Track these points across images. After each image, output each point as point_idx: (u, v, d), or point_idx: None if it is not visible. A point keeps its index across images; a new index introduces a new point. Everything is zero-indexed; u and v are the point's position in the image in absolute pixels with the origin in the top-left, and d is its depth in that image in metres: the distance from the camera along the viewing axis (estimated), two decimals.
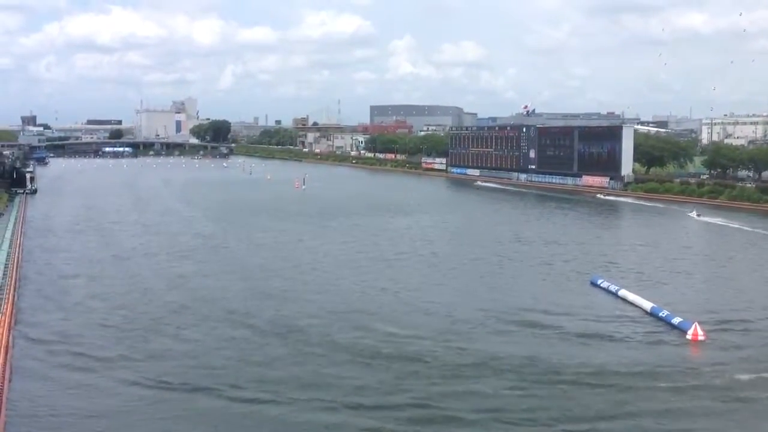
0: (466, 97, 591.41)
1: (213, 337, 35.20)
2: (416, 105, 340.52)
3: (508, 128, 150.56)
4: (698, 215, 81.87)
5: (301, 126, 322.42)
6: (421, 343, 34.22)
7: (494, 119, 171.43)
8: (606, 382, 29.25)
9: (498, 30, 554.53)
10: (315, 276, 50.27)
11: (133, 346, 33.36)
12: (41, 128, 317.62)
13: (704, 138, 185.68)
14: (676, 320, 37.05)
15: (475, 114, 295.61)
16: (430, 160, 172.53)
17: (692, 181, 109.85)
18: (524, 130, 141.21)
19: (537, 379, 29.60)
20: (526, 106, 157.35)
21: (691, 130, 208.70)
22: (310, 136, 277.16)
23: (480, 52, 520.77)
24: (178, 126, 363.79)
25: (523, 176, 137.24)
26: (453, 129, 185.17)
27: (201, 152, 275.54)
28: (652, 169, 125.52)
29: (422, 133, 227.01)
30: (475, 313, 39.78)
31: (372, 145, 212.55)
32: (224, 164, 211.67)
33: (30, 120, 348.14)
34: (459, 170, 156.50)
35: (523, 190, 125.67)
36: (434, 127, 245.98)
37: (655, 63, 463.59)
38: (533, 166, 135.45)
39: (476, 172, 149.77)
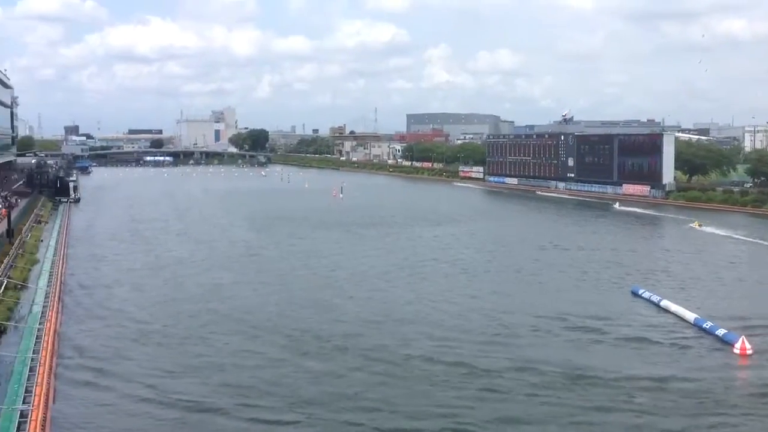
0: (502, 105, 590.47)
1: (250, 350, 35.05)
2: (453, 113, 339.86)
3: (546, 136, 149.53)
4: (700, 225, 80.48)
5: (338, 135, 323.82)
6: (470, 350, 33.98)
7: (532, 127, 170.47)
8: (653, 395, 28.72)
9: (534, 37, 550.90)
10: (354, 285, 50.17)
11: (174, 362, 33.32)
12: (84, 138, 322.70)
13: (747, 146, 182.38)
14: (720, 332, 36.22)
15: (513, 122, 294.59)
16: (467, 169, 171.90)
17: (735, 189, 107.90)
18: (562, 138, 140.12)
19: (581, 389, 29.23)
20: (564, 114, 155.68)
21: (734, 138, 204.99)
22: (347, 145, 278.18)
23: (516, 59, 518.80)
24: (217, 135, 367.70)
25: (561, 184, 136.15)
26: (490, 137, 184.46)
27: (240, 161, 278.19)
28: (693, 178, 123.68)
29: (459, 142, 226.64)
30: (518, 322, 39.49)
31: (409, 153, 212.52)
32: (262, 173, 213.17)
33: (73, 130, 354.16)
34: (496, 179, 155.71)
35: (565, 197, 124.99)
36: (471, 136, 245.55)
37: (695, 70, 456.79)
38: (572, 175, 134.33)
39: (514, 181, 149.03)
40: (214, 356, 33.58)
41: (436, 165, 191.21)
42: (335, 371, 31.43)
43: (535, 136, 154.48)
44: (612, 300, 45.81)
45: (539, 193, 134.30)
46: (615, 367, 31.88)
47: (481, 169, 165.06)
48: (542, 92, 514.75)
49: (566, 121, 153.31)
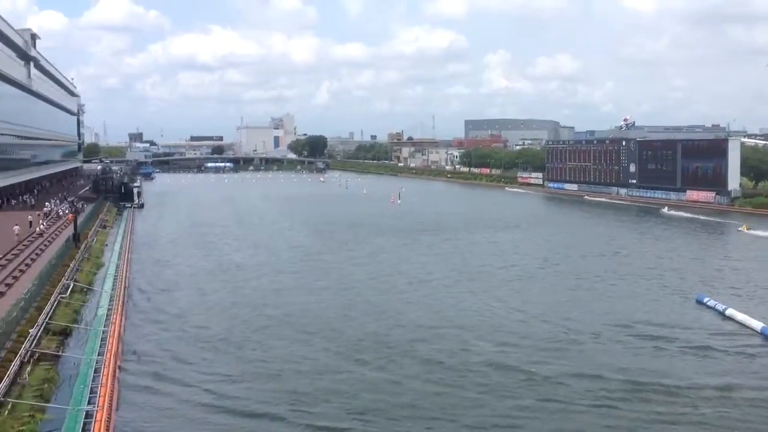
0: (562, 110, 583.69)
1: (307, 356, 35.18)
2: (511, 119, 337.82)
3: (607, 142, 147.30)
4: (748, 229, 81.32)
5: (395, 141, 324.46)
6: (530, 357, 33.58)
7: (592, 133, 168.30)
8: (718, 405, 27.98)
9: (594, 42, 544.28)
10: (413, 291, 50.12)
11: (232, 367, 33.64)
12: (147, 145, 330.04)
13: None
14: None
15: (572, 128, 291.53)
16: (526, 175, 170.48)
17: None
18: (624, 143, 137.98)
19: (643, 399, 28.60)
20: (625, 119, 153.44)
21: None
22: (405, 151, 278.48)
23: (576, 64, 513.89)
24: (277, 141, 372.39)
25: (623, 191, 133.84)
26: (549, 143, 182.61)
27: (298, 167, 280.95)
28: (760, 184, 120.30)
29: (518, 148, 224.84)
30: (579, 329, 38.90)
31: (467, 159, 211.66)
32: (321, 179, 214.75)
33: (137, 137, 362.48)
34: (556, 185, 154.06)
35: (627, 203, 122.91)
36: (530, 141, 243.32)
37: (761, 73, 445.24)
38: (634, 181, 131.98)
39: (574, 187, 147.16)
40: (272, 361, 33.81)
41: (494, 171, 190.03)
42: (393, 378, 31.34)
43: (595, 142, 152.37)
44: (676, 308, 44.78)
45: (599, 199, 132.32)
46: (679, 376, 31.18)
47: (540, 175, 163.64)
48: (603, 97, 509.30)
49: (628, 126, 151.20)
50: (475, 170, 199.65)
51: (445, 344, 36.40)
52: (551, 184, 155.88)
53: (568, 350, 35.46)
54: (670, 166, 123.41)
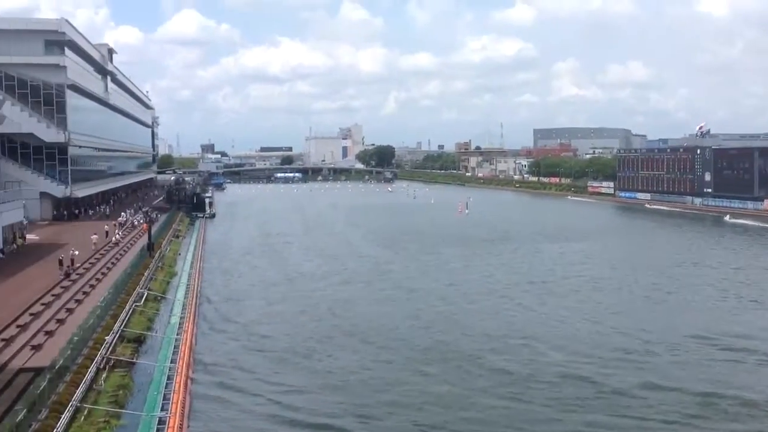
0: (634, 118, 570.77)
1: (374, 367, 35.18)
2: (581, 127, 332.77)
3: (681, 150, 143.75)
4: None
5: (463, 150, 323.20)
6: (600, 370, 32.95)
7: (665, 141, 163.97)
8: None
9: (666, 49, 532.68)
10: (481, 301, 49.82)
11: (299, 377, 33.83)
12: (219, 156, 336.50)
13: None
14: None
15: (645, 136, 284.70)
16: (596, 184, 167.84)
17: None
18: (699, 151, 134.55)
19: (720, 412, 27.83)
20: (700, 127, 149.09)
21: None
22: (473, 160, 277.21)
23: (648, 71, 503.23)
24: (345, 152, 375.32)
25: (697, 200, 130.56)
26: (621, 151, 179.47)
27: (366, 177, 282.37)
28: None
29: (588, 156, 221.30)
30: (653, 340, 38.11)
31: (536, 168, 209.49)
32: (389, 188, 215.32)
33: (209, 148, 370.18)
34: (628, 194, 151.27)
35: (701, 213, 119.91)
36: (600, 150, 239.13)
37: None
38: (709, 190, 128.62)
39: (646, 196, 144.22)
40: (338, 372, 33.89)
41: (563, 180, 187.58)
42: (460, 390, 31.10)
43: (669, 150, 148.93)
44: (754, 319, 43.45)
45: (673, 208, 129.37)
46: (758, 390, 30.25)
47: (611, 184, 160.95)
48: (676, 105, 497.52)
49: (702, 134, 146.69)
50: (544, 180, 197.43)
51: (514, 355, 36.06)
52: (623, 194, 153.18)
53: (642, 361, 34.76)
54: (747, 175, 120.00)
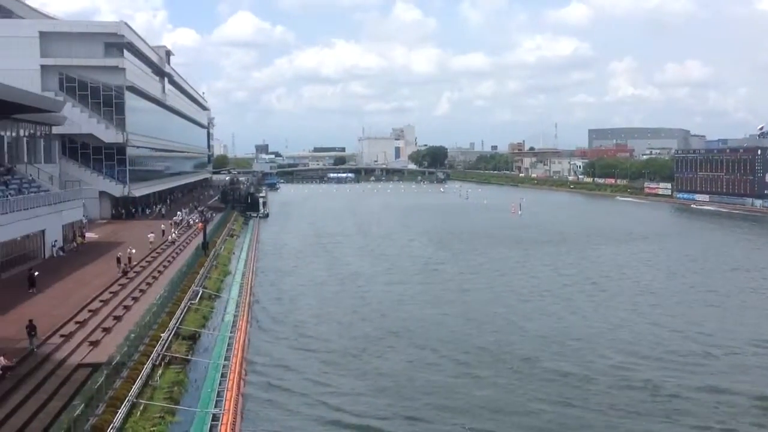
0: (692, 118, 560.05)
1: (425, 368, 35.07)
2: (638, 128, 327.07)
3: (741, 151, 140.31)
4: None
5: (516, 151, 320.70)
6: (657, 374, 32.34)
7: (725, 141, 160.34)
8: None
9: (726, 47, 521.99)
10: (533, 303, 49.36)
11: (350, 377, 33.98)
12: (273, 156, 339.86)
13: None
14: None
15: (703, 136, 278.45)
16: (653, 185, 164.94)
17: None
18: (759, 152, 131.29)
19: None
20: (761, 127, 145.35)
21: None
22: (526, 161, 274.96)
23: (707, 71, 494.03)
24: (397, 152, 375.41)
25: (758, 202, 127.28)
26: (678, 152, 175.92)
27: (419, 177, 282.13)
28: None
29: (644, 157, 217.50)
30: (712, 344, 37.27)
31: (590, 169, 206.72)
32: (441, 189, 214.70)
33: (263, 148, 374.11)
34: (686, 195, 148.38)
35: (764, 215, 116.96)
36: (658, 151, 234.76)
37: None
38: None
39: (705, 198, 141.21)
40: (389, 374, 33.75)
41: (619, 181, 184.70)
42: (514, 393, 30.84)
43: (728, 151, 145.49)
44: None
45: (732, 210, 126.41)
46: None
47: (668, 185, 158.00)
48: (736, 104, 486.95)
49: (763, 134, 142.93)
50: (600, 180, 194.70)
51: (568, 357, 35.63)
52: (680, 195, 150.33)
53: (700, 365, 34.08)
54: None
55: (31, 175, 59.82)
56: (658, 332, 40.72)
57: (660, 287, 55.27)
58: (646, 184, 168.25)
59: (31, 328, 28.76)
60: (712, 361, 35.06)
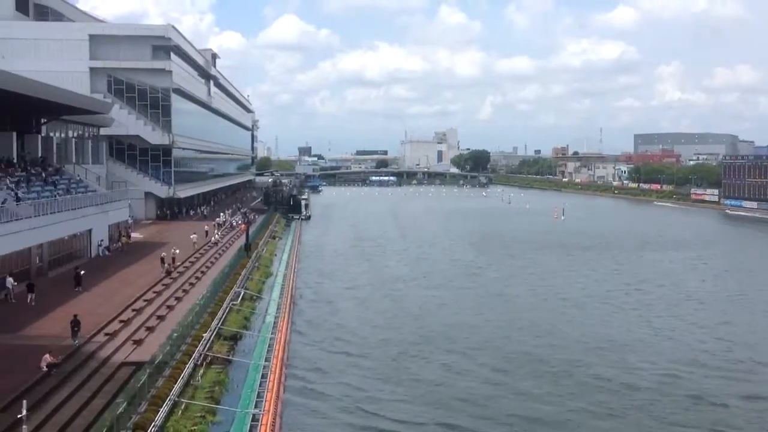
0: (741, 124, 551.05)
1: (464, 372, 34.94)
2: (685, 133, 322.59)
3: None
4: None
5: (560, 155, 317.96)
6: (701, 384, 31.80)
7: None
8: None
9: None
10: (574, 308, 48.85)
11: (388, 379, 33.97)
12: (315, 158, 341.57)
13: None
14: None
15: (752, 142, 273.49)
16: (700, 192, 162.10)
17: None
18: None
19: None
20: None
21: None
22: (570, 166, 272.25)
23: (756, 75, 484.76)
24: (440, 156, 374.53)
25: None
26: (727, 158, 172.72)
27: (461, 181, 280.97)
28: None
29: (691, 163, 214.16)
30: (759, 354, 36.43)
31: (635, 174, 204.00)
32: (483, 193, 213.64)
33: (306, 151, 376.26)
34: (734, 202, 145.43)
35: None
36: (705, 157, 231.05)
37: None
38: None
39: (754, 205, 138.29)
40: (428, 379, 33.57)
41: (665, 187, 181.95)
42: (553, 398, 30.55)
43: None
44: None
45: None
46: None
47: (715, 191, 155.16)
48: None
49: None
50: (645, 186, 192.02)
51: (609, 365, 35.16)
52: (728, 202, 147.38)
53: (745, 379, 33.29)
54: None
55: (78, 176, 60.91)
56: (701, 343, 40.02)
57: (705, 295, 54.40)
58: (692, 191, 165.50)
59: (75, 324, 29.29)
60: (759, 373, 34.28)
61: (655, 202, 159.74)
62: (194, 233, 62.48)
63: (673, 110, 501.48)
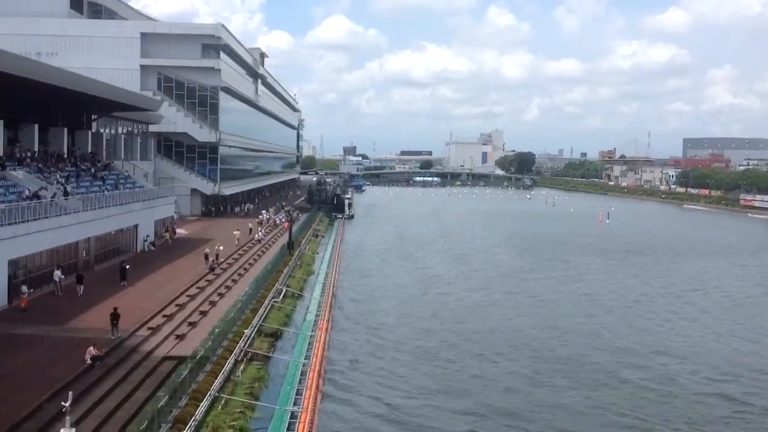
0: None
1: (501, 376, 34.74)
2: (735, 137, 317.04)
3: None
4: None
5: (607, 159, 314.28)
6: (744, 390, 31.25)
7: None
8: None
9: None
10: (615, 313, 48.35)
11: (425, 381, 33.89)
12: (360, 158, 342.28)
13: None
14: None
15: None
16: (749, 197, 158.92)
17: None
18: None
19: None
20: None
21: None
22: (617, 169, 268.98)
23: None
24: (484, 157, 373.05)
25: None
26: None
27: (505, 183, 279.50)
28: None
29: (742, 168, 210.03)
30: None
31: (683, 179, 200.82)
32: (527, 195, 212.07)
33: (350, 150, 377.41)
34: None
35: None
36: (756, 162, 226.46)
37: None
38: None
39: None
40: (466, 380, 33.49)
41: (713, 192, 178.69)
42: (592, 402, 30.25)
43: None
44: None
45: None
46: None
47: (766, 197, 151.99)
48: None
49: None
50: (693, 191, 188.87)
51: (650, 371, 34.82)
52: None
53: None
54: None
55: (127, 172, 61.98)
56: (743, 350, 39.39)
57: (750, 302, 53.43)
58: (741, 196, 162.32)
59: (115, 317, 29.79)
60: None
61: (684, 206, 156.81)
62: (237, 229, 63.13)
63: (723, 114, 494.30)
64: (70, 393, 19.52)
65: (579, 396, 31.26)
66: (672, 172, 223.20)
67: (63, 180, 46.35)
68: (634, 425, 27.95)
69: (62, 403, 18.94)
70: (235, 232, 61.93)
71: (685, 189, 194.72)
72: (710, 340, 41.69)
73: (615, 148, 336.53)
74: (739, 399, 30.84)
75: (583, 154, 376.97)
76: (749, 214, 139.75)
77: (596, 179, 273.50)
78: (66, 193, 43.37)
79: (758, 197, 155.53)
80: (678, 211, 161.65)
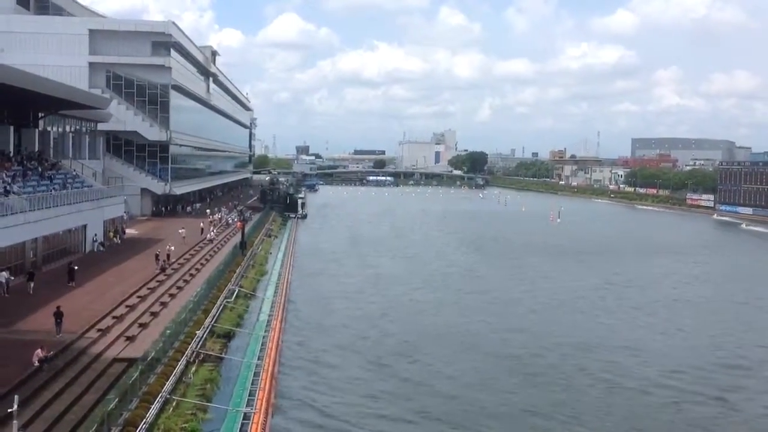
0: (738, 130, 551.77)
1: (456, 374, 35.12)
2: (682, 138, 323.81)
3: None
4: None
5: (557, 158, 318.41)
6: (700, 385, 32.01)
7: None
8: None
9: None
10: (566, 311, 49.08)
11: (381, 383, 34.06)
12: (313, 157, 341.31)
13: None
14: None
15: (749, 148, 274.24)
16: (695, 197, 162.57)
17: None
18: None
19: None
20: None
21: None
22: (567, 169, 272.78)
23: (754, 81, 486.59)
24: (437, 157, 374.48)
25: None
26: (723, 164, 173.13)
27: (458, 182, 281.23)
28: None
29: (688, 168, 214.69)
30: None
31: (632, 179, 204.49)
32: (480, 195, 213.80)
33: (303, 150, 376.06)
34: (729, 208, 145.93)
35: None
36: (701, 162, 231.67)
37: None
38: None
39: (749, 211, 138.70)
40: (419, 378, 33.78)
41: (661, 192, 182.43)
42: (556, 397, 30.68)
43: None
44: None
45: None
46: None
47: (711, 197, 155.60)
48: None
49: None
50: (641, 190, 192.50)
51: (590, 366, 35.58)
52: (723, 207, 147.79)
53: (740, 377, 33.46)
54: None
55: (75, 171, 60.82)
56: (694, 346, 40.42)
57: (698, 300, 55.08)
58: (688, 195, 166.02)
59: (58, 315, 29.28)
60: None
61: (635, 205, 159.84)
62: (182, 228, 62.62)
63: (670, 115, 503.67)
64: (16, 396, 19.13)
65: (525, 394, 31.72)
66: (621, 171, 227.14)
67: (9, 179, 45.31)
68: (576, 418, 28.48)
69: (9, 409, 18.57)
70: (180, 230, 61.45)
71: (633, 188, 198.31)
72: (662, 337, 42.71)
73: (565, 148, 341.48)
74: (679, 388, 32.00)
75: (535, 154, 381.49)
76: (712, 216, 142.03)
77: (547, 179, 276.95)
78: (6, 192, 42.21)
79: (704, 197, 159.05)
80: (628, 211, 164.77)
